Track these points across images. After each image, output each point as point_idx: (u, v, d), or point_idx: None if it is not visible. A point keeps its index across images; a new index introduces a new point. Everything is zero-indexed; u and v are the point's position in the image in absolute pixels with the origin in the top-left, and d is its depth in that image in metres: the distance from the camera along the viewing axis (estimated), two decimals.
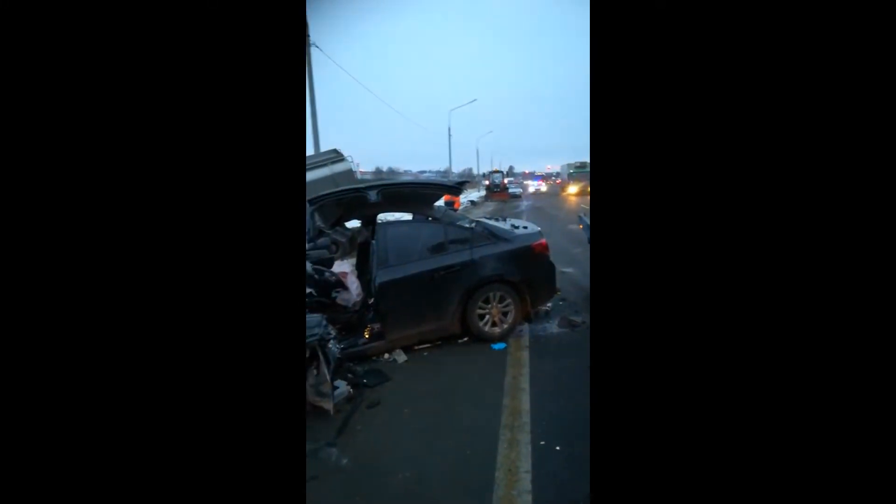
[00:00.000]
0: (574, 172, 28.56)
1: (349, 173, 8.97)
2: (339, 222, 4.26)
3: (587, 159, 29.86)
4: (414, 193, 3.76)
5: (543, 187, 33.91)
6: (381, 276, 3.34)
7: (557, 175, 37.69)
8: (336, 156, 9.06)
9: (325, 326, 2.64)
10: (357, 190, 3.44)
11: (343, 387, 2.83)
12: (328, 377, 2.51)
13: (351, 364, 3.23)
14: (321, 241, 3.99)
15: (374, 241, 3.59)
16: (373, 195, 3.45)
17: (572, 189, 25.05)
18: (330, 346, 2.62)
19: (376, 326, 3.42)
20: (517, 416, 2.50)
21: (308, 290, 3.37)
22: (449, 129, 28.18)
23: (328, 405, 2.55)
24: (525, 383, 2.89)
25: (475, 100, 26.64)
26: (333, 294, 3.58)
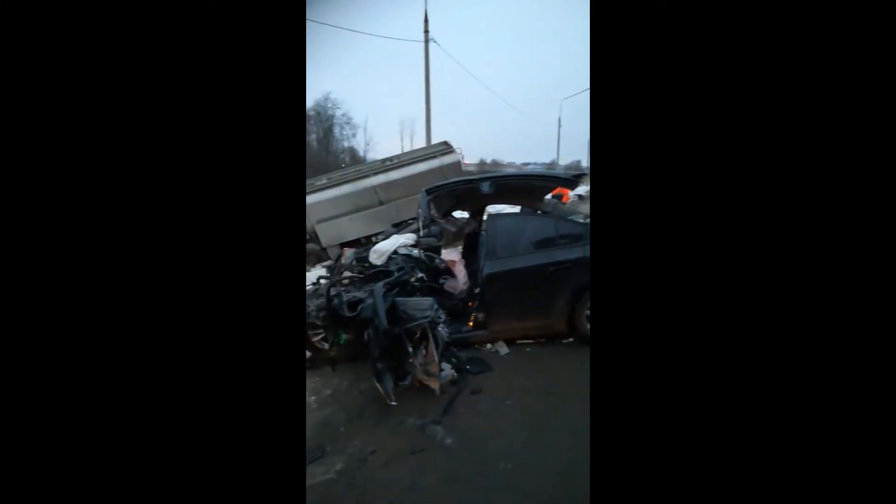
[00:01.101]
0: None
1: (457, 165, 9.22)
2: (450, 212, 4.40)
3: None
4: (526, 186, 3.70)
5: None
6: (488, 267, 3.37)
7: None
8: (446, 148, 9.38)
9: (437, 310, 2.77)
10: (470, 181, 3.51)
11: (448, 369, 2.95)
12: (436, 358, 2.63)
13: (455, 349, 3.35)
14: (433, 229, 4.18)
15: (483, 232, 3.64)
16: (486, 186, 3.48)
17: None
18: (440, 328, 2.74)
19: (480, 316, 3.47)
20: None
21: (419, 275, 3.57)
22: (559, 120, 26.97)
23: (435, 385, 2.68)
24: None
25: (586, 90, 24.95)
26: (441, 280, 3.73)
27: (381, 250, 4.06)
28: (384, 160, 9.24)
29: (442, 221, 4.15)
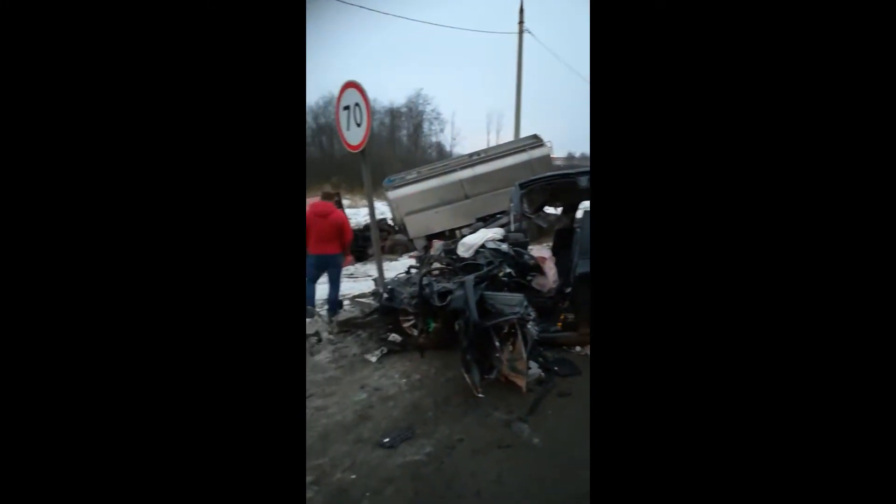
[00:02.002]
0: None
1: (547, 159, 8.93)
2: (542, 207, 4.29)
3: None
4: None
5: None
6: (581, 267, 3.22)
7: None
8: (535, 141, 9.13)
9: (526, 307, 2.73)
10: (567, 175, 3.37)
11: (535, 368, 2.90)
12: (524, 355, 2.60)
13: (542, 349, 3.28)
14: (522, 224, 4.12)
15: (577, 229, 3.48)
16: (584, 181, 3.31)
17: None
18: (529, 326, 2.70)
19: (570, 316, 3.34)
20: None
21: (507, 270, 3.55)
22: None
23: (521, 382, 2.66)
24: None
25: None
26: (529, 277, 3.67)
27: (469, 244, 4.13)
28: (471, 154, 9.32)
29: (533, 217, 4.07)
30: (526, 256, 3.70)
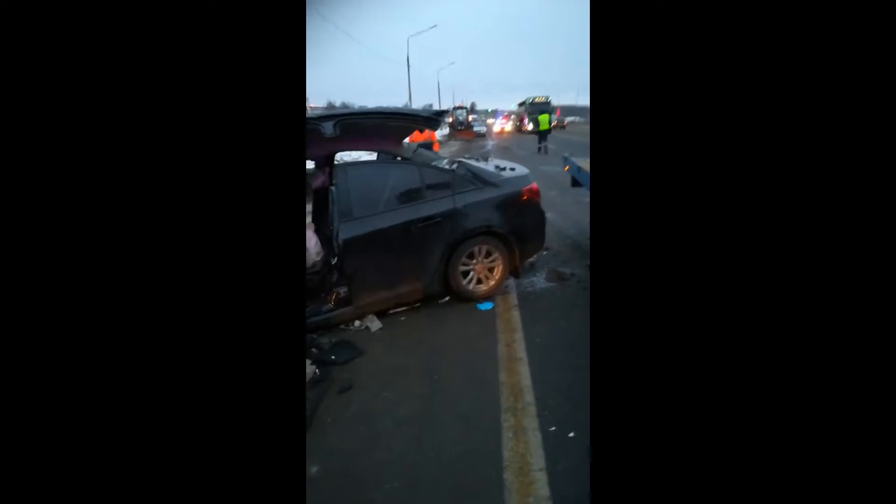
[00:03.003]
0: (531, 110, 26.59)
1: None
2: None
3: (548, 96, 28.55)
4: (380, 126, 3.04)
5: (508, 125, 32.76)
6: (345, 232, 2.72)
7: (512, 114, 36.06)
8: None
9: None
10: (309, 121, 2.69)
11: (307, 367, 2.33)
12: None
13: (315, 336, 2.72)
14: None
15: (332, 188, 2.92)
16: (328, 127, 2.71)
17: (530, 127, 23.97)
18: None
19: (342, 290, 2.87)
20: (519, 395, 2.13)
21: None
22: (408, 59, 25.79)
23: None
24: (521, 352, 2.52)
25: (435, 26, 24.17)
26: None
27: None
28: None
29: None
30: None
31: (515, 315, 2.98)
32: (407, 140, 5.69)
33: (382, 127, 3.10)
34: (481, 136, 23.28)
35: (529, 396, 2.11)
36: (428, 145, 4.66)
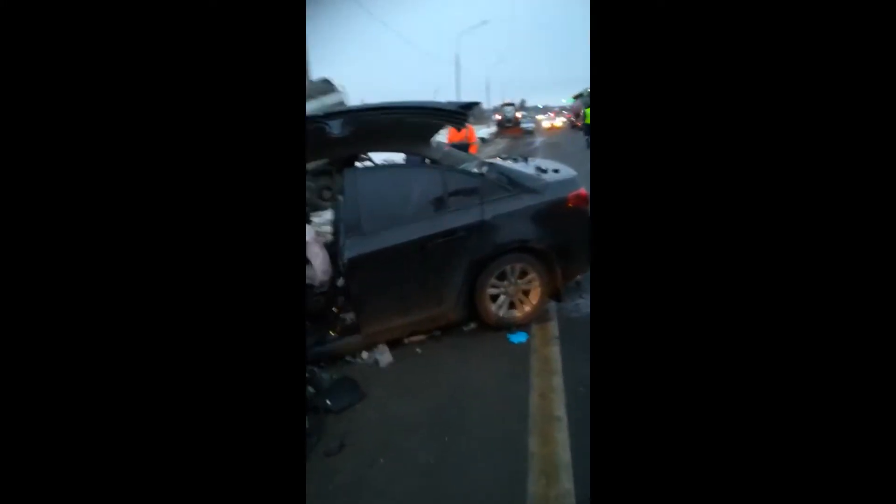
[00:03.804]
0: (588, 102, 24.97)
1: (340, 106, 7.64)
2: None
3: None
4: (399, 123, 2.61)
5: (558, 121, 31.31)
6: (351, 249, 2.32)
7: (567, 109, 34.40)
8: (326, 86, 7.66)
9: None
10: (313, 120, 2.31)
11: None
12: None
13: (315, 370, 2.34)
14: None
15: (340, 198, 2.53)
16: (335, 127, 2.31)
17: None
18: None
19: (348, 317, 2.47)
20: (553, 477, 1.60)
21: None
22: (457, 57, 25.36)
23: None
24: (559, 406, 1.97)
25: (486, 21, 23.55)
26: None
27: None
28: None
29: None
30: None
31: (555, 351, 2.42)
32: (444, 140, 5.22)
33: (402, 124, 2.65)
34: (529, 133, 22.33)
35: (567, 480, 1.57)
36: (463, 146, 4.14)
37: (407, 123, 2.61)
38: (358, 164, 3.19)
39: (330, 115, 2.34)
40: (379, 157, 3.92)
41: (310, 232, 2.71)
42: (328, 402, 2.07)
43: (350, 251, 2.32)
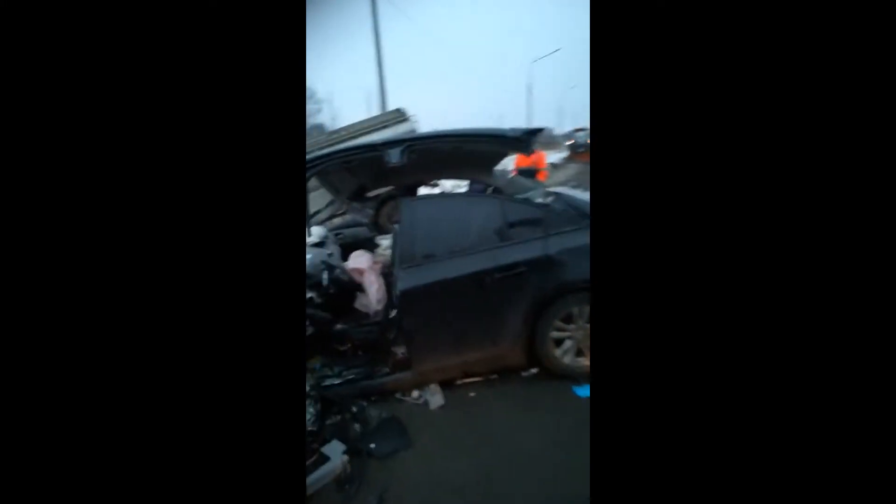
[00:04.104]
0: None
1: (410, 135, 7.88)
2: (362, 193, 3.18)
3: None
4: (459, 151, 2.51)
5: None
6: (404, 280, 2.22)
7: None
8: (398, 116, 8.01)
9: None
10: (371, 148, 2.29)
11: (336, 457, 1.83)
12: None
13: (364, 405, 2.24)
14: (356, 215, 2.98)
15: (395, 227, 2.47)
16: (394, 155, 2.28)
17: None
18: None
19: (400, 351, 2.35)
20: None
21: (308, 295, 2.40)
22: (529, 86, 25.42)
23: None
24: None
25: (558, 49, 23.39)
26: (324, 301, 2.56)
27: None
28: (330, 134, 7.83)
29: (349, 206, 2.95)
30: (337, 271, 2.59)
31: None
32: (511, 167, 5.06)
33: (462, 152, 2.55)
34: None
35: None
36: (531, 172, 3.93)
37: (467, 151, 2.51)
38: (425, 189, 3.15)
39: (389, 143, 2.31)
40: (449, 184, 3.86)
41: (367, 259, 2.68)
42: (372, 446, 1.93)
43: (403, 282, 2.22)
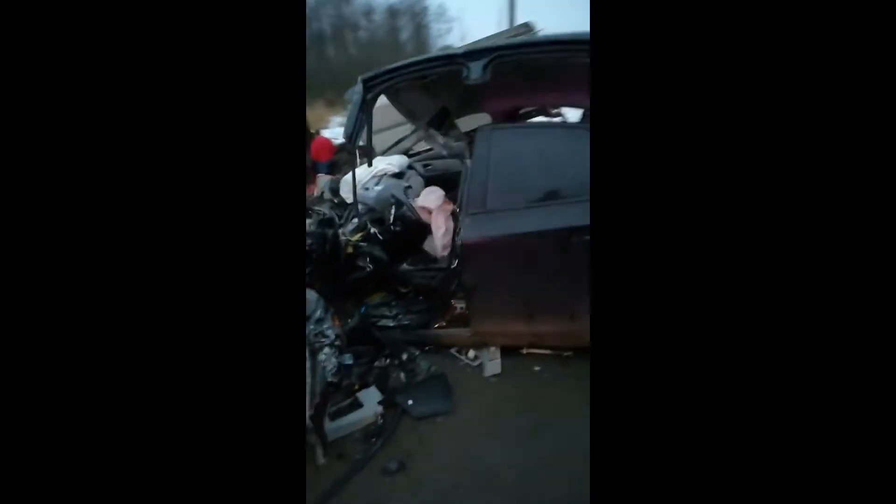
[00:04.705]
0: None
1: None
2: (445, 119, 2.76)
3: None
4: (564, 64, 1.89)
5: None
6: (469, 229, 1.87)
7: None
8: (525, 30, 7.00)
9: (321, 318, 1.48)
10: (449, 59, 1.85)
11: (370, 406, 1.74)
12: (308, 404, 1.40)
13: (416, 353, 2.10)
14: (449, 141, 2.65)
15: (466, 163, 2.06)
16: (475, 69, 1.80)
17: None
18: (323, 355, 1.47)
19: (459, 305, 2.09)
20: None
21: (372, 230, 2.24)
22: None
23: (317, 457, 1.50)
24: None
25: None
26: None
27: (354, 180, 2.75)
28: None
29: (431, 132, 2.60)
30: (404, 208, 2.35)
31: None
32: None
33: (569, 66, 1.92)
34: None
35: None
36: None
37: (576, 65, 1.86)
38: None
39: (470, 53, 1.82)
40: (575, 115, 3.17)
41: (436, 197, 2.37)
42: (409, 401, 1.79)
43: (468, 231, 1.87)
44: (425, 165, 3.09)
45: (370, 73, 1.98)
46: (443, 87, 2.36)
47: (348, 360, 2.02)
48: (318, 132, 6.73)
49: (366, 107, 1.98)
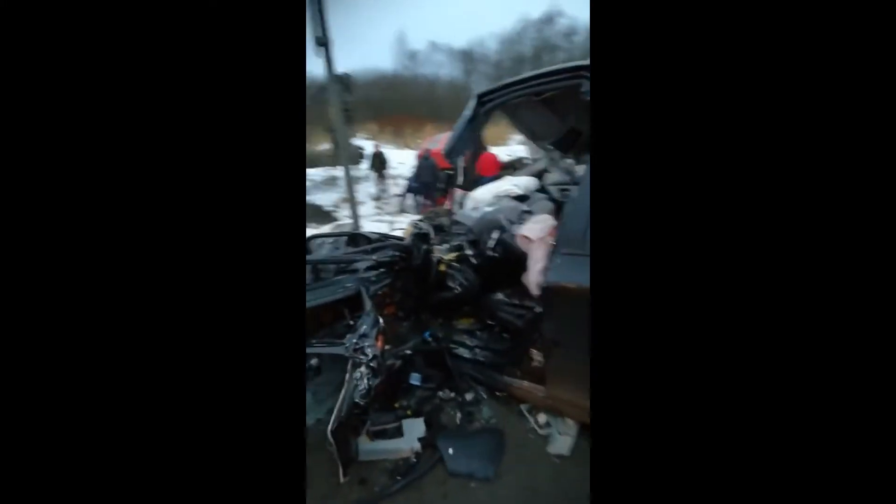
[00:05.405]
0: None
1: None
2: (577, 139, 2.40)
3: None
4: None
5: None
6: (558, 271, 1.56)
7: None
8: None
9: (366, 333, 1.44)
10: (567, 73, 1.58)
11: (410, 440, 1.62)
12: (333, 417, 1.37)
13: (483, 396, 1.89)
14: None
15: (572, 189, 1.71)
16: (585, 85, 1.49)
17: None
18: (360, 372, 1.42)
19: (537, 358, 1.77)
20: None
21: (461, 253, 2.13)
22: None
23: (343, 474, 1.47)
24: None
25: None
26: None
27: (480, 198, 2.75)
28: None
29: (553, 154, 2.31)
30: (507, 234, 2.14)
31: None
32: None
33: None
34: None
35: None
36: None
37: None
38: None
39: (576, 68, 1.51)
40: None
41: (542, 227, 2.07)
42: (450, 451, 1.59)
43: (557, 273, 1.56)
44: (562, 190, 2.78)
45: (487, 88, 1.86)
46: (570, 105, 2.06)
47: (415, 380, 1.96)
48: (486, 148, 6.98)
49: (475, 123, 1.87)
